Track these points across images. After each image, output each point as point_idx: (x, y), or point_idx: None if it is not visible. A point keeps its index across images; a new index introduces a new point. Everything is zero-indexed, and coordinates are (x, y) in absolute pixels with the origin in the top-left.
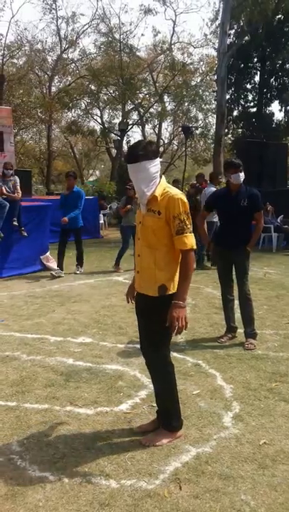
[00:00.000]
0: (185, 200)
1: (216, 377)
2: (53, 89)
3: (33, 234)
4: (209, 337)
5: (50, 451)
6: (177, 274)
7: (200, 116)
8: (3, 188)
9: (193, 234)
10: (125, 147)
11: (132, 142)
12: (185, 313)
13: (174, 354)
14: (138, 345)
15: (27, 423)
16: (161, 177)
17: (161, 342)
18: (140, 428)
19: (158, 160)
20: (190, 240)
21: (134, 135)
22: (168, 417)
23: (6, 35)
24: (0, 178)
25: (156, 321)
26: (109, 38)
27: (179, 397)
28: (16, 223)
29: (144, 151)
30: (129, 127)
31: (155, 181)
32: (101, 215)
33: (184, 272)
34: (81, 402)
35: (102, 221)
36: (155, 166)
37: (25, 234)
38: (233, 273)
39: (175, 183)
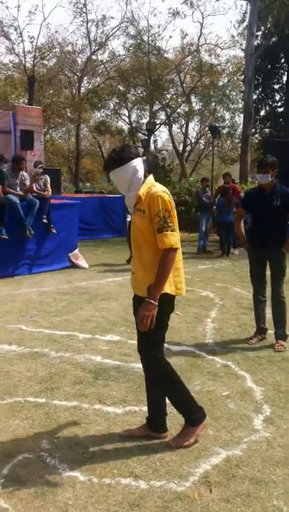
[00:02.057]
0: (166, 197)
1: (245, 379)
2: (82, 89)
3: (62, 231)
4: (238, 338)
5: (79, 450)
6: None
7: (227, 115)
8: (34, 185)
9: (174, 233)
10: (152, 146)
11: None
12: (154, 313)
13: (203, 355)
14: (166, 345)
15: (56, 420)
16: (146, 177)
17: (155, 342)
18: (127, 432)
19: (133, 163)
20: (169, 239)
21: (162, 134)
22: (185, 414)
23: (38, 37)
24: (31, 177)
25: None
26: (138, 41)
27: (209, 398)
28: (45, 220)
29: (111, 161)
30: (157, 127)
31: (134, 184)
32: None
33: (160, 271)
34: (110, 401)
35: (129, 219)
36: (130, 169)
37: (55, 231)
38: (266, 273)
39: (204, 181)
